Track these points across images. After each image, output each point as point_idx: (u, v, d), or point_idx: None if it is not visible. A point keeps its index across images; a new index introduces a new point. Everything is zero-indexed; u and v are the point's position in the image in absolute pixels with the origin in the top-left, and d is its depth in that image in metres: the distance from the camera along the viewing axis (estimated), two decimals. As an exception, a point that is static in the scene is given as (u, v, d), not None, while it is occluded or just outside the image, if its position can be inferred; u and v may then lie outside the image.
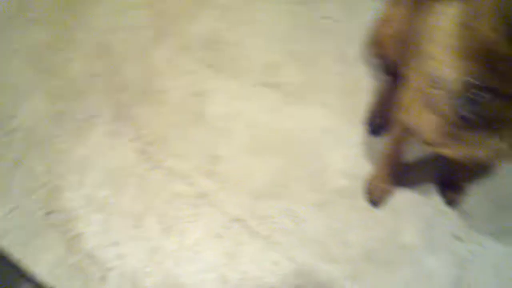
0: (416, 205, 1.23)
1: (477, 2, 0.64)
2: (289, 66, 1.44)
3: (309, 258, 1.16)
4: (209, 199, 1.24)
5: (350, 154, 1.30)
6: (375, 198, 1.22)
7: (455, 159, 0.90)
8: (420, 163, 1.28)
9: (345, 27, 1.50)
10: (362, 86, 1.40)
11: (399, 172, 1.22)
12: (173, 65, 1.47)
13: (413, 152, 1.26)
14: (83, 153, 1.32)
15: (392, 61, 1.22)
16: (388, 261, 1.16)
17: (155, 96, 1.41)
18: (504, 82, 0.68)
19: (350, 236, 1.19)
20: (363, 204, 1.23)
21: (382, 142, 1.20)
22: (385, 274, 1.14)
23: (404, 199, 1.24)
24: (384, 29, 1.21)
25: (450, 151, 0.85)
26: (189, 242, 1.19)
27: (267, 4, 1.57)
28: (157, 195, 1.25)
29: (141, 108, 1.39)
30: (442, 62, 0.76)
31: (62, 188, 1.27)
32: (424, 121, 0.85)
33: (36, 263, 1.17)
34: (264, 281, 1.14)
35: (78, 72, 1.46)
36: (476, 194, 1.24)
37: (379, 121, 1.31)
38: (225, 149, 1.31)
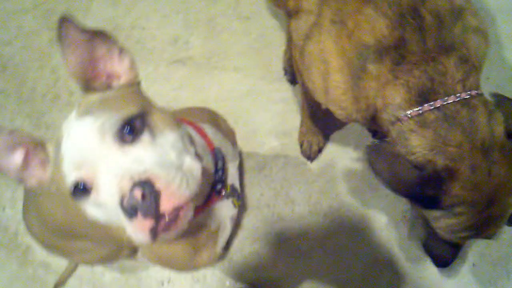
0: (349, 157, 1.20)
1: None
2: (192, 36, 1.38)
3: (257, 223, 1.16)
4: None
5: (276, 112, 1.26)
6: (308, 152, 1.19)
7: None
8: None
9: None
10: (269, 39, 1.34)
11: (327, 124, 1.18)
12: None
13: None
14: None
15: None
16: (333, 211, 1.16)
17: (68, 98, 1.36)
18: None
19: (293, 194, 1.18)
20: (299, 160, 1.21)
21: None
22: (332, 224, 1.15)
23: (336, 150, 1.21)
24: None
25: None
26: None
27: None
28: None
29: (56, 114, 1.35)
30: None
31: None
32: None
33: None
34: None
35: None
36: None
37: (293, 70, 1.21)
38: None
